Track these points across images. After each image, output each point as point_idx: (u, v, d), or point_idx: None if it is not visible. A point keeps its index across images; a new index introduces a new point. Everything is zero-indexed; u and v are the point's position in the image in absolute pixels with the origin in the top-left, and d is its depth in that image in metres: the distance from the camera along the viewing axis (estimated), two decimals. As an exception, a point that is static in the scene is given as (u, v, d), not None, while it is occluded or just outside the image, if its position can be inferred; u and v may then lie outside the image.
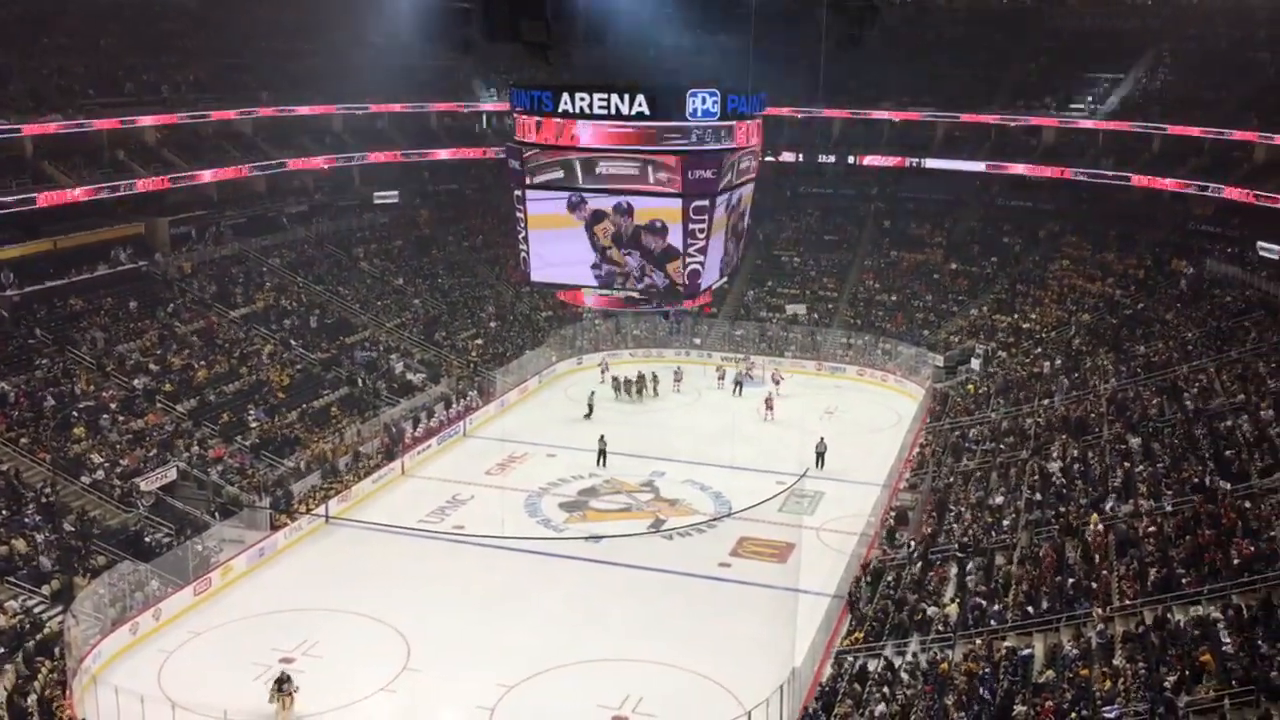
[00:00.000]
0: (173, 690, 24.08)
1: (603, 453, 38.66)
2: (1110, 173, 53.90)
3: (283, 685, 23.19)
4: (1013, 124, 58.35)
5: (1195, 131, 50.99)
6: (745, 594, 29.75)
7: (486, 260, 59.18)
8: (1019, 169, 57.13)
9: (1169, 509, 26.93)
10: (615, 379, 47.46)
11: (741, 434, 41.34)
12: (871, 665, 24.36)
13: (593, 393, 45.08)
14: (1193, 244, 50.25)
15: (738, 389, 47.43)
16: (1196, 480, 27.79)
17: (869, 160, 60.26)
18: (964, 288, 55.31)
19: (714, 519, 34.70)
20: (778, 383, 47.08)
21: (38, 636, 25.59)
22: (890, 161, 60.09)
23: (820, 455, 38.45)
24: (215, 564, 30.25)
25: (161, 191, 47.75)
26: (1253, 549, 23.19)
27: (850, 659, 25.04)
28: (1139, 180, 52.43)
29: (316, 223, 55.66)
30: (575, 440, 40.80)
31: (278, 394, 41.12)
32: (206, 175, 49.79)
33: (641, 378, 47.46)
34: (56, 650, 25.12)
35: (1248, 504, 25.58)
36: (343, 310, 49.66)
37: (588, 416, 43.87)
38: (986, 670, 22.25)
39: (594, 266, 30.47)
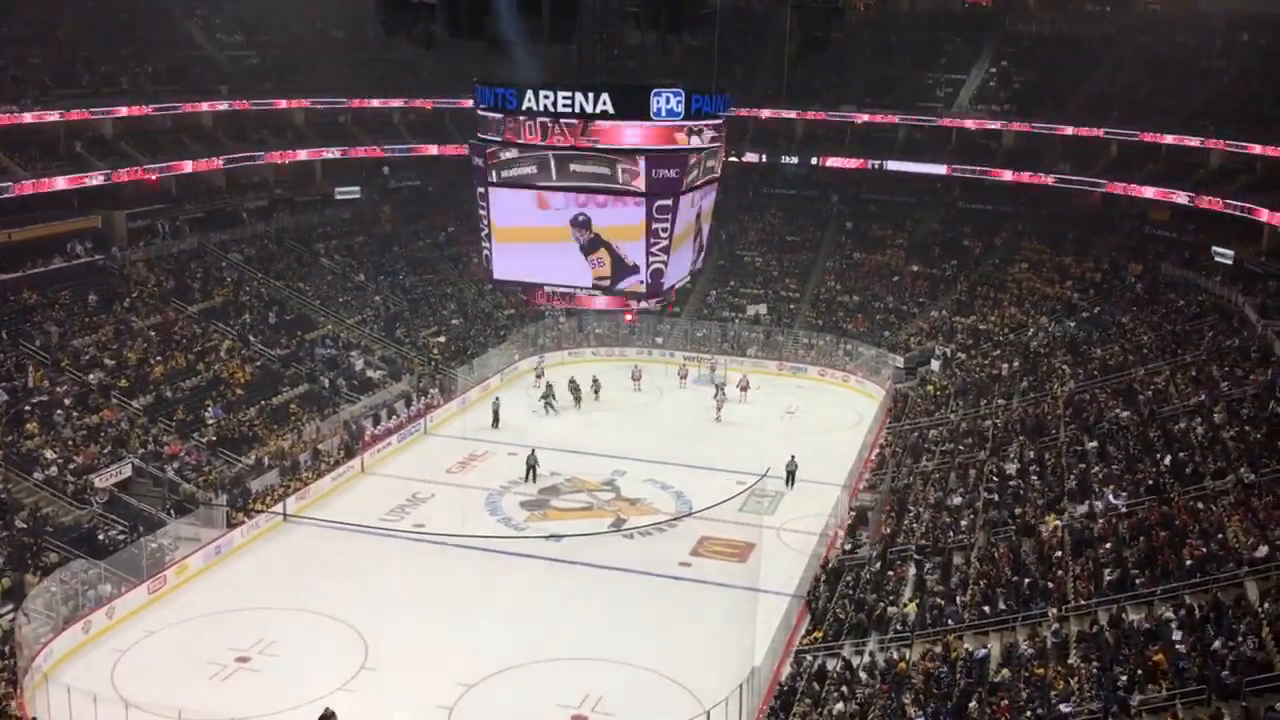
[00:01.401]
0: (126, 689, 23.82)
1: (532, 468, 37.49)
2: (1084, 178, 54.45)
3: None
4: (973, 127, 58.83)
5: (1150, 137, 51.72)
6: (705, 593, 29.82)
7: (449, 258, 58.91)
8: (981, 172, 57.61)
9: (1124, 510, 27.27)
10: (567, 383, 45.86)
11: (702, 433, 41.42)
12: (830, 664, 24.49)
13: (497, 398, 43.91)
14: (1148, 248, 50.95)
15: (719, 391, 45.81)
16: (1151, 482, 28.15)
17: (832, 162, 60.57)
18: (924, 289, 55.71)
19: (675, 518, 34.75)
20: (744, 389, 46.69)
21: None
22: (853, 164, 60.39)
23: (791, 474, 37.02)
24: (170, 562, 29.92)
25: (117, 185, 47.19)
26: (1204, 550, 23.53)
27: (809, 658, 25.17)
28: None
29: (277, 218, 55.21)
30: (537, 438, 40.69)
31: (236, 390, 40.71)
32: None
33: (574, 383, 45.79)
34: (7, 649, 24.76)
35: (1200, 505, 25.95)
36: (303, 306, 49.25)
37: (495, 425, 42.47)
38: (943, 670, 22.44)
39: (558, 265, 30.47)
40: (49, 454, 33.17)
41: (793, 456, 37.34)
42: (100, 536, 30.44)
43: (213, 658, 25.71)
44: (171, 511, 32.71)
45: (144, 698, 22.85)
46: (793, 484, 36.78)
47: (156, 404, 38.02)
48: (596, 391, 46.29)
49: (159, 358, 40.68)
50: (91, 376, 37.86)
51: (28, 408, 34.96)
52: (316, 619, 27.66)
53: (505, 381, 48.20)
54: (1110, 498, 28.11)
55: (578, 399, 45.47)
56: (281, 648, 26.29)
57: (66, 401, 36.06)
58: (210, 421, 38.12)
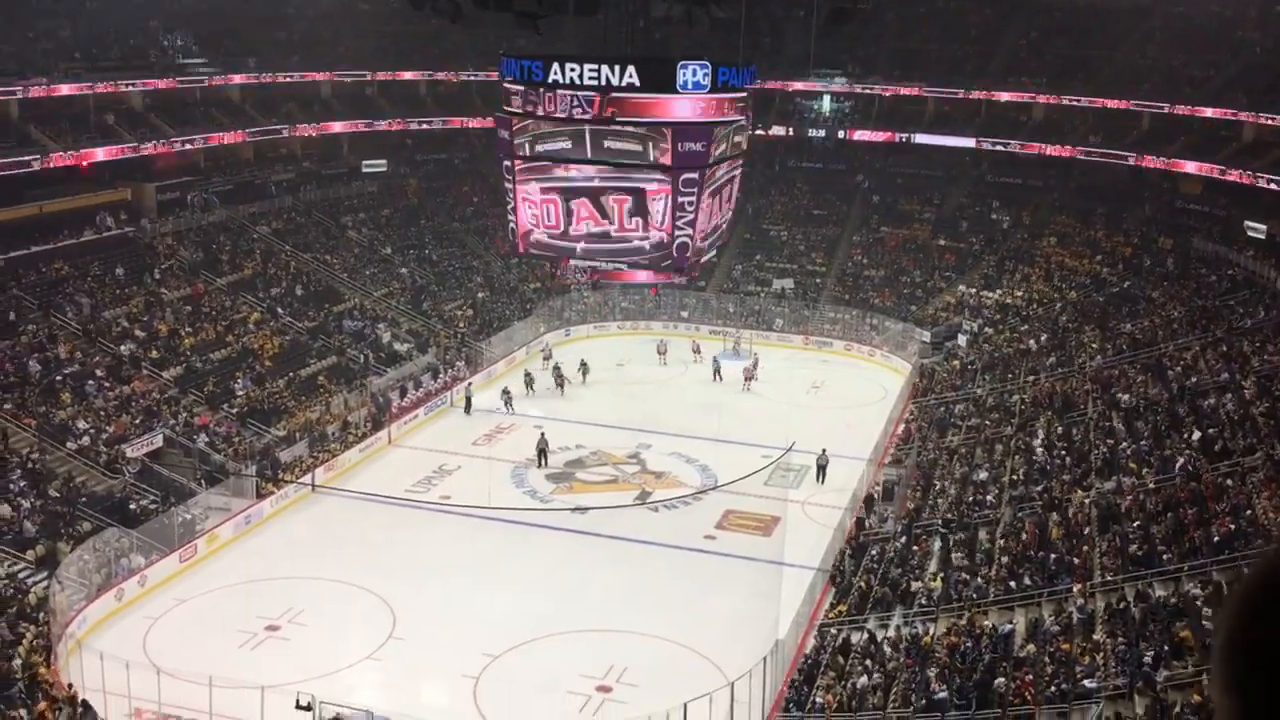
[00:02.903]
0: (158, 656, 24.13)
1: (542, 452, 36.61)
2: (1115, 151, 53.88)
3: None
4: (1003, 100, 58.28)
5: (1184, 110, 51.07)
6: (730, 566, 29.90)
7: (475, 231, 59.02)
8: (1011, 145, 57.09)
9: (1151, 486, 27.14)
10: (556, 367, 44.56)
11: (728, 407, 41.45)
12: (855, 638, 24.58)
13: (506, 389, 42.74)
14: (1180, 222, 50.42)
15: (716, 375, 45.43)
16: (1179, 458, 27.99)
17: (859, 135, 60.24)
18: (952, 263, 55.41)
19: (700, 491, 34.83)
20: (749, 379, 45.34)
21: (23, 600, 25.58)
22: (880, 137, 60.03)
23: (822, 469, 35.22)
24: (201, 531, 30.27)
25: (148, 157, 47.47)
26: (1233, 526, 23.40)
27: (834, 631, 25.26)
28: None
29: (304, 190, 55.40)
30: (562, 412, 40.84)
31: (265, 362, 41.04)
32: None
33: (558, 369, 44.21)
34: (41, 616, 25.14)
35: (1229, 481, 25.80)
36: (330, 279, 49.50)
37: (508, 402, 41.63)
38: (968, 644, 22.47)
39: (584, 239, 30.54)
40: (81, 424, 33.57)
41: (824, 450, 35.56)
42: (132, 506, 30.83)
43: (243, 626, 26.03)
44: (202, 482, 33.07)
45: (176, 664, 23.13)
46: (823, 478, 35.06)
47: (186, 375, 38.39)
48: (584, 375, 44.72)
49: (189, 329, 41.04)
50: (123, 348, 38.23)
51: (60, 379, 35.36)
52: (345, 589, 27.92)
53: (531, 354, 48.34)
54: (1126, 478, 27.98)
55: (562, 380, 43.91)
56: (310, 617, 26.58)
57: (98, 372, 36.46)
58: (240, 393, 38.45)
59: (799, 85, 60.32)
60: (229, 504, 32.00)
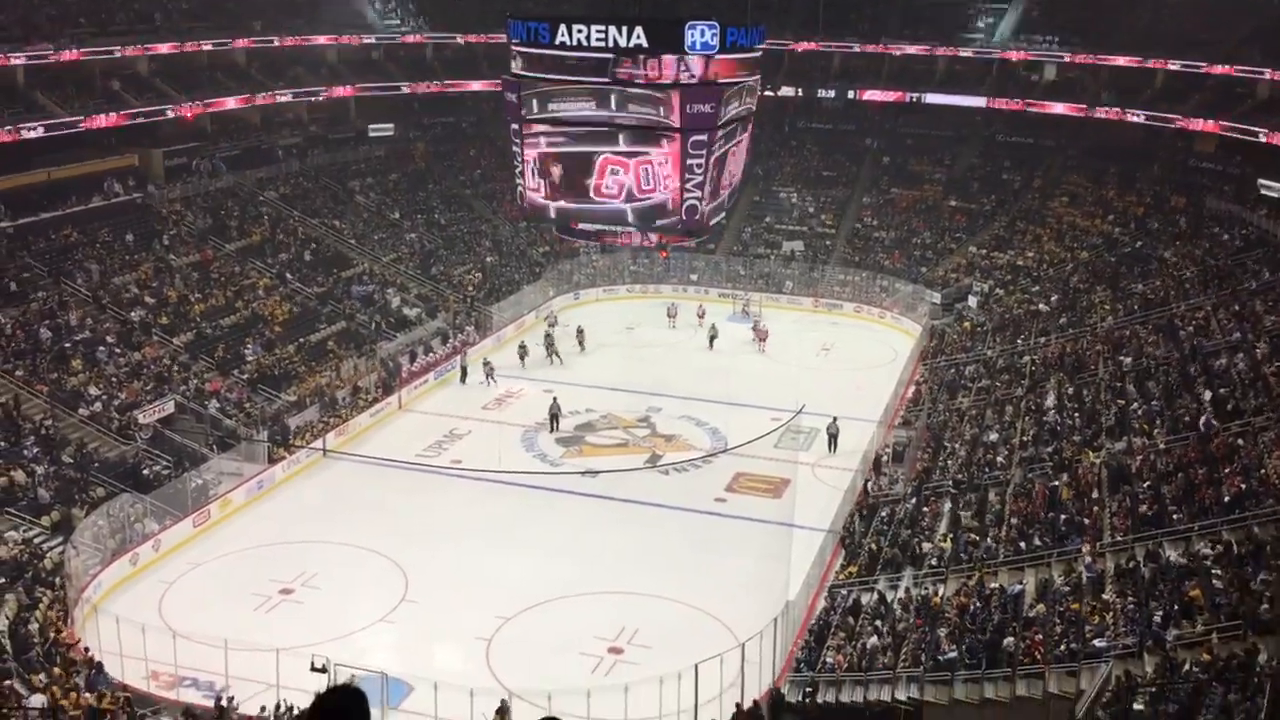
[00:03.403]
0: (174, 619, 24.36)
1: (555, 417, 36.68)
2: (1128, 110, 53.36)
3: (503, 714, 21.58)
4: (1014, 59, 57.74)
5: (1200, 67, 50.51)
6: (740, 529, 30.00)
7: (483, 195, 58.85)
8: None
9: (1162, 446, 27.10)
10: (548, 335, 44.12)
11: (738, 370, 41.42)
12: (864, 599, 24.67)
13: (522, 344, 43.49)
14: (1193, 181, 50.03)
15: (711, 344, 44.95)
16: (1190, 418, 27.92)
17: (869, 95, 59.79)
18: (962, 224, 55.13)
19: (710, 454, 34.89)
20: (763, 340, 45.21)
21: (39, 565, 25.78)
22: (890, 97, 59.56)
23: (833, 437, 34.83)
24: (214, 496, 30.44)
25: (154, 123, 47.33)
26: (1243, 486, 23.37)
27: (844, 593, 25.37)
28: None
29: (311, 155, 55.22)
30: (572, 376, 40.86)
31: (274, 328, 41.08)
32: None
33: (549, 338, 43.79)
34: (57, 581, 25.36)
35: (1240, 441, 25.74)
36: (338, 244, 49.45)
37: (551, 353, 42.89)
38: (977, 604, 22.54)
39: (593, 201, 30.46)
40: (93, 390, 33.69)
41: (834, 419, 35.02)
42: (145, 471, 30.99)
43: (257, 589, 26.25)
44: (214, 447, 33.21)
45: (191, 628, 23.38)
46: (835, 447, 34.68)
47: (197, 341, 38.46)
48: (581, 342, 44.45)
49: (198, 295, 41.07)
50: (133, 314, 38.30)
51: (70, 345, 35.45)
52: (357, 552, 28.11)
53: (540, 319, 48.31)
54: (1136, 439, 27.90)
55: (553, 350, 43.52)
56: (323, 580, 26.77)
57: (109, 339, 36.53)
58: (250, 359, 38.54)
59: (807, 45, 59.81)
60: (241, 469, 32.16)
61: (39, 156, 42.78)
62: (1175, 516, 23.40)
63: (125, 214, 44.34)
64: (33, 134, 41.31)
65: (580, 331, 44.63)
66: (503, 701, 20.13)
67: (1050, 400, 33.00)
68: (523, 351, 43.16)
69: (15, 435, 30.52)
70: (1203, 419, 27.13)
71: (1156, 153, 53.48)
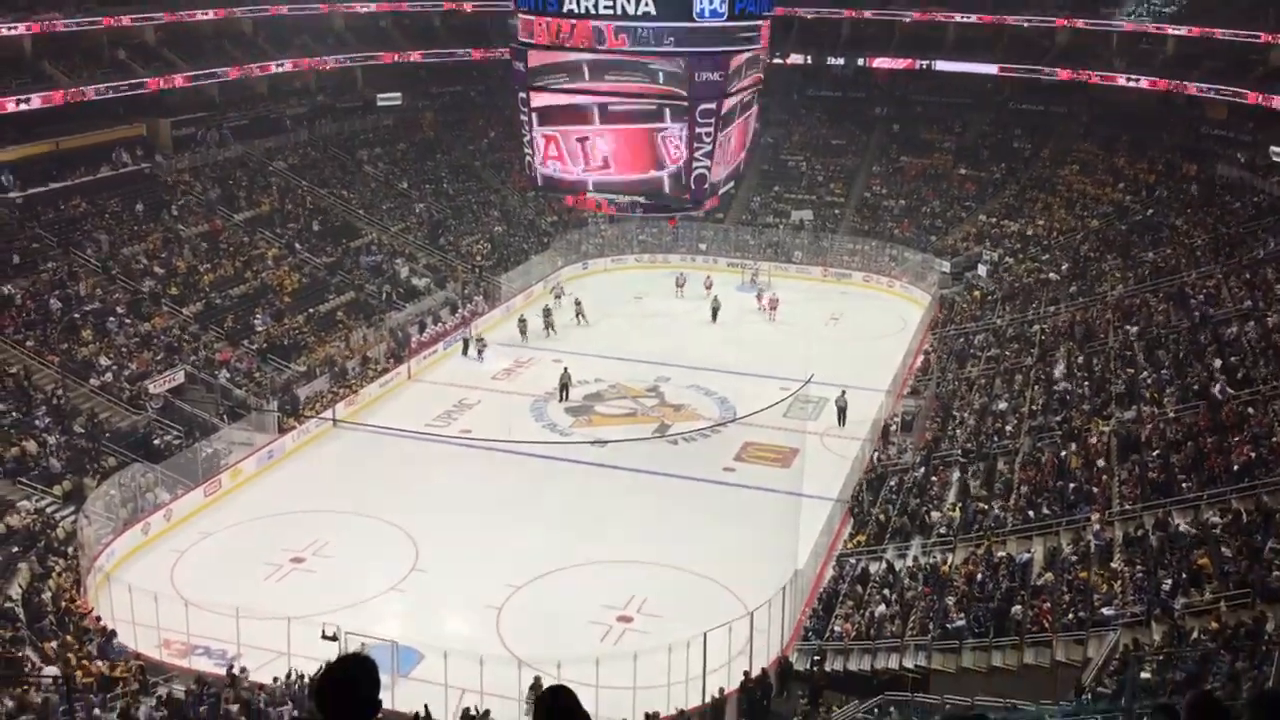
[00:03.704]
0: (186, 588, 24.52)
1: (565, 387, 36.61)
2: (1139, 76, 52.91)
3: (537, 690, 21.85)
4: (1026, 25, 57.22)
5: (1215, 33, 49.98)
6: (749, 498, 30.07)
7: (491, 164, 58.68)
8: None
9: (1172, 414, 27.04)
10: (546, 309, 43.76)
11: (747, 340, 41.37)
12: (873, 568, 24.75)
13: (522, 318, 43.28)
14: (1205, 148, 49.65)
15: (714, 315, 44.25)
16: (1200, 386, 27.85)
17: (879, 63, 59.37)
18: (972, 193, 54.85)
19: (719, 424, 34.91)
20: (773, 308, 45.20)
21: (51, 535, 25.96)
22: (901, 64, 59.12)
23: (842, 410, 34.24)
24: (225, 466, 30.58)
25: (161, 92, 47.20)
26: (1253, 454, 23.34)
27: (852, 561, 25.45)
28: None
29: (319, 124, 55.05)
30: (581, 346, 40.85)
31: (284, 298, 41.12)
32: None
33: (548, 311, 43.47)
34: (70, 550, 25.54)
35: (1250, 410, 25.68)
36: (347, 214, 49.39)
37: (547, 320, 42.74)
38: (986, 573, 22.60)
39: (600, 171, 30.37)
40: (104, 361, 33.79)
41: (843, 391, 34.56)
42: (156, 441, 31.11)
43: (268, 558, 26.41)
44: (224, 417, 33.32)
45: (202, 596, 23.54)
46: (844, 421, 34.12)
47: (206, 311, 38.52)
48: (580, 316, 43.77)
49: (207, 266, 41.10)
50: (143, 285, 38.34)
51: (80, 316, 35.53)
52: (367, 522, 28.24)
53: (547, 290, 48.27)
54: (1146, 407, 27.80)
55: (550, 323, 43.14)
56: (334, 549, 26.92)
57: (119, 309, 36.60)
58: (259, 329, 38.59)
59: (816, 11, 59.37)
60: (251, 439, 32.29)
61: (47, 126, 42.70)
62: (1184, 485, 23.39)
63: (134, 184, 44.30)
64: (39, 104, 41.22)
65: (579, 304, 44.34)
66: (536, 678, 20.25)
67: (1060, 369, 32.93)
68: (523, 326, 42.93)
69: (27, 405, 30.66)
70: (1216, 386, 27.07)
71: (1168, 119, 53.06)
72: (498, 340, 41.59)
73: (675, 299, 47.24)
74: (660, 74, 28.08)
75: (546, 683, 18.93)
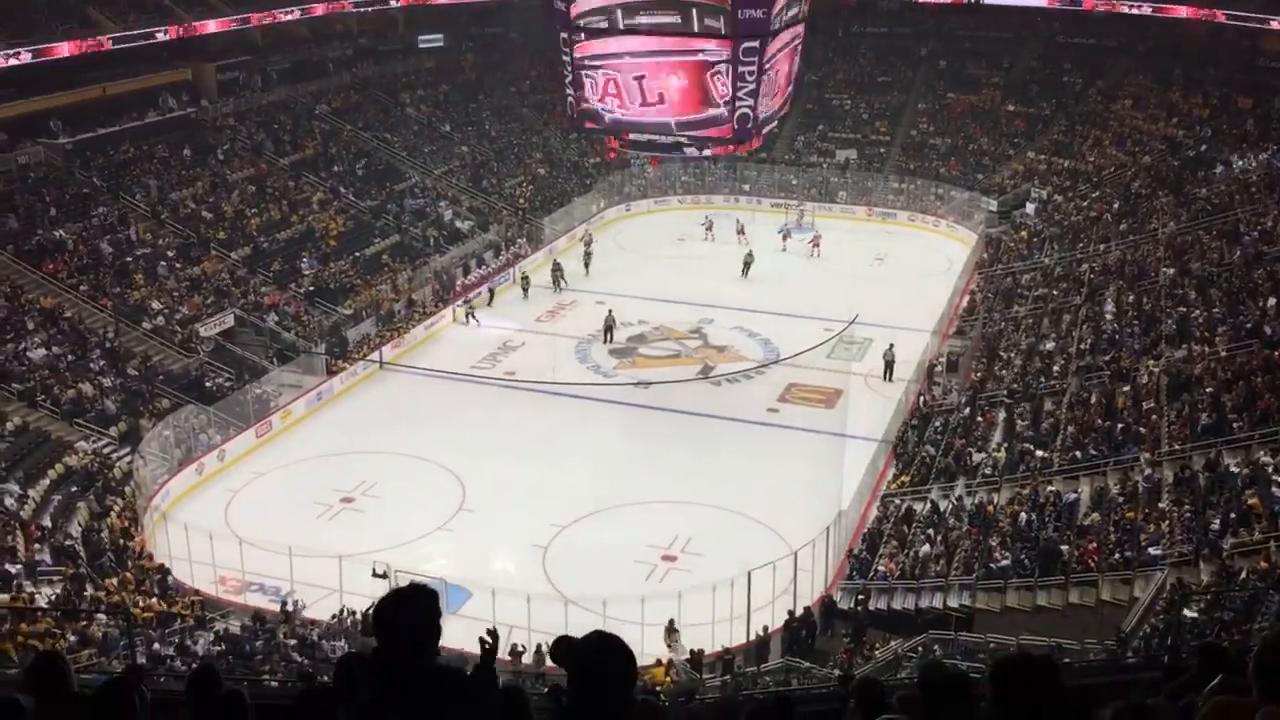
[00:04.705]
0: (239, 527, 25.03)
1: (609, 329, 36.54)
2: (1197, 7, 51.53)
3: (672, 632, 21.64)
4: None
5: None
6: (793, 439, 30.12)
7: (534, 106, 58.41)
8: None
9: (1223, 353, 26.67)
10: (556, 264, 42.42)
11: (790, 280, 41.17)
12: (917, 508, 24.76)
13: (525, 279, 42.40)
14: (1261, 81, 48.37)
15: (746, 269, 42.52)
16: (1252, 325, 27.42)
17: (926, -3, 58.26)
18: (1021, 130, 53.93)
19: (762, 365, 34.89)
20: (816, 245, 45.03)
21: (108, 475, 26.56)
22: (948, -2, 57.96)
23: (889, 365, 33.22)
24: (275, 408, 31.05)
25: (206, 36, 47.29)
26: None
27: (896, 502, 25.47)
28: None
29: (361, 67, 54.98)
30: (625, 288, 40.82)
31: (329, 241, 41.39)
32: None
33: (557, 266, 42.15)
34: (126, 489, 26.12)
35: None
36: (390, 157, 49.46)
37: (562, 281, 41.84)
38: (1031, 514, 22.55)
39: (644, 111, 30.14)
40: (155, 304, 34.27)
41: (890, 345, 33.55)
42: (208, 383, 31.63)
43: (319, 498, 26.87)
44: (274, 360, 33.75)
45: (256, 535, 24.01)
46: (890, 376, 33.07)
47: (254, 255, 38.87)
48: (558, 282, 41.92)
49: (254, 210, 41.40)
50: (191, 229, 38.72)
51: (131, 260, 35.99)
52: (415, 462, 28.59)
53: (591, 230, 48.17)
54: (1197, 346, 27.44)
55: (559, 278, 42.00)
56: (383, 489, 27.32)
57: (169, 253, 37.03)
58: (306, 272, 38.92)
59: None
60: (300, 381, 32.72)
61: (94, 72, 42.92)
62: (1235, 425, 23.12)
63: (180, 129, 44.55)
64: (84, 50, 41.44)
65: (558, 267, 42.05)
66: (671, 621, 20.57)
67: (1109, 308, 32.52)
68: (525, 284, 41.60)
69: (82, 349, 31.22)
70: (1268, 325, 26.63)
71: (1223, 52, 51.71)
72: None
73: (708, 242, 46.60)
74: (704, 11, 27.74)
75: (584, 617, 19.26)
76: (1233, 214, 36.13)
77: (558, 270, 42.19)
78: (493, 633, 3.58)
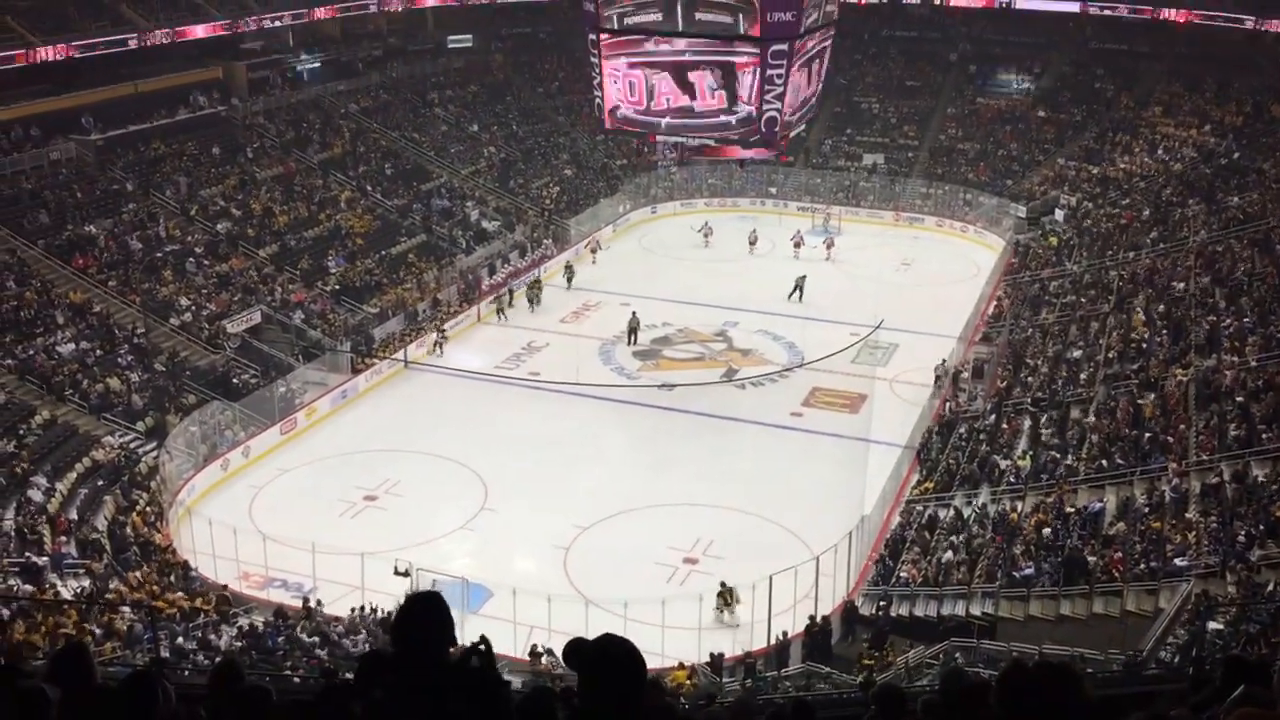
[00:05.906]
0: (263, 523, 25.15)
1: (634, 331, 36.54)
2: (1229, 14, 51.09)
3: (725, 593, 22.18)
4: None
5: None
6: (816, 443, 30.04)
7: (561, 107, 58.48)
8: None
9: (1253, 363, 26.39)
10: (536, 280, 41.21)
11: (816, 285, 41.04)
12: (941, 514, 24.63)
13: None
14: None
15: (799, 294, 40.37)
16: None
17: (956, 1, 57.89)
18: (1051, 136, 53.60)
19: (786, 369, 34.81)
20: (829, 247, 45.08)
21: (134, 470, 26.75)
22: (979, 2, 57.60)
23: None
24: (300, 405, 31.20)
25: (237, 35, 47.61)
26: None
27: (919, 508, 25.33)
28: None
29: (390, 67, 55.21)
30: (649, 289, 40.82)
31: (356, 240, 41.57)
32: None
33: (538, 282, 40.91)
34: (152, 484, 26.30)
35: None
36: (418, 157, 49.63)
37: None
38: (1056, 522, 22.37)
39: (671, 114, 30.09)
40: (183, 301, 34.52)
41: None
42: (234, 380, 31.82)
43: (342, 496, 26.97)
44: (299, 357, 33.92)
45: (280, 531, 24.14)
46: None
47: (281, 253, 39.10)
48: (569, 279, 42.19)
49: (282, 208, 41.63)
50: (220, 226, 38.98)
51: (160, 256, 36.26)
52: (438, 461, 28.67)
53: (618, 232, 48.23)
54: (1226, 356, 27.17)
55: (536, 298, 40.71)
56: (406, 488, 27.40)
57: (198, 250, 37.29)
58: (333, 271, 39.11)
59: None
60: (326, 379, 32.88)
61: (126, 69, 43.30)
62: (1265, 436, 22.87)
63: (210, 127, 44.88)
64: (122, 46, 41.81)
65: (536, 284, 40.81)
66: (723, 584, 20.48)
67: (1138, 316, 32.26)
68: (533, 294, 40.64)
69: (110, 344, 31.47)
70: (1270, 340, 26.38)
71: (1257, 59, 51.22)
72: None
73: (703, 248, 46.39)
74: (733, 14, 27.69)
75: (605, 618, 19.26)
76: (1264, 223, 35.78)
77: (569, 272, 42.56)
78: (484, 639, 3.59)
